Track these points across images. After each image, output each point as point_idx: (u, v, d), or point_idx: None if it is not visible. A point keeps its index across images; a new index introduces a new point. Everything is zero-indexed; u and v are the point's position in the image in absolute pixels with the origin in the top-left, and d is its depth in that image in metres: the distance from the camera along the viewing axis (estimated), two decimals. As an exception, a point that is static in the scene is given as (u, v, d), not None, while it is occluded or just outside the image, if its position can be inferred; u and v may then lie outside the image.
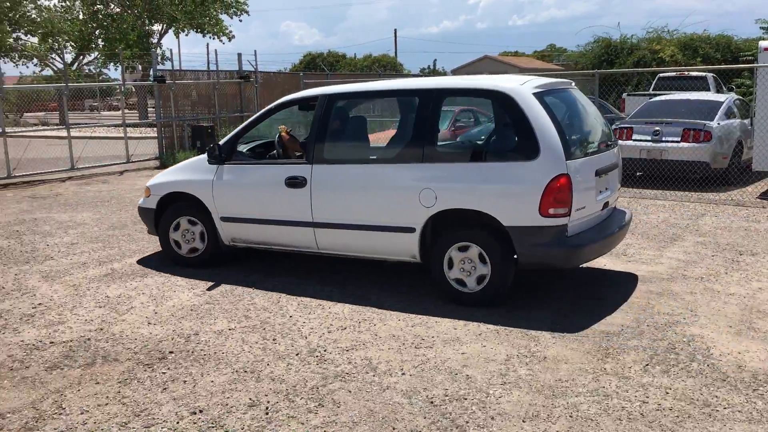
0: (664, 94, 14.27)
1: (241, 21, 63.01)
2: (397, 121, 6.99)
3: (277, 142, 6.80)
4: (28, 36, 42.35)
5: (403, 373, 4.30)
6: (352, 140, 6.48)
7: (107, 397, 4.05)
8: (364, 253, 6.14)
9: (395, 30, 65.10)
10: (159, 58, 35.62)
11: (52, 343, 4.91)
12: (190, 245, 6.87)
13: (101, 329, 5.16)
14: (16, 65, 44.07)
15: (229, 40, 42.97)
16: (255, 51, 18.39)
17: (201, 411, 3.86)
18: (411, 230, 5.70)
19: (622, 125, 12.03)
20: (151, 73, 17.14)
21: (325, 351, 4.67)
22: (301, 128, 9.00)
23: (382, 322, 5.21)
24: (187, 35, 42.36)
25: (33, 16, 41.37)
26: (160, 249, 7.13)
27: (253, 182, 6.48)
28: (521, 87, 5.51)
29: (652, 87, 19.52)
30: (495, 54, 49.84)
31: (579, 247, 5.39)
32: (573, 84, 6.34)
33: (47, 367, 4.49)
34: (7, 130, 14.43)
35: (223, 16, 42.22)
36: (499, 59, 43.01)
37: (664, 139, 11.40)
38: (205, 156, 6.71)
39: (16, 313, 5.54)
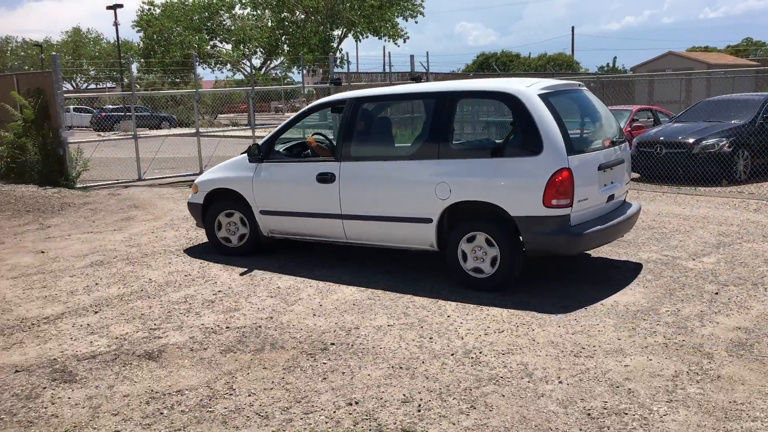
0: None
1: (416, 23, 64.05)
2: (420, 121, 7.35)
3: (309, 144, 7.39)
4: (223, 43, 45.99)
5: (560, 382, 4.17)
6: (376, 139, 7.01)
7: (273, 382, 4.30)
8: (387, 242, 6.65)
9: (572, 27, 63.16)
10: (337, 61, 37.21)
11: (228, 328, 5.30)
12: (234, 236, 7.54)
13: (271, 318, 5.50)
14: (212, 71, 48.01)
15: (404, 42, 43.91)
16: (427, 52, 18.77)
17: (357, 402, 3.99)
18: (428, 221, 6.19)
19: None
20: (329, 76, 17.95)
21: (480, 353, 4.65)
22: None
23: (540, 328, 5.08)
24: (366, 38, 43.77)
25: (228, 25, 44.86)
26: (326, 246, 7.45)
27: (288, 179, 7.09)
28: (527, 89, 5.96)
29: None
30: (681, 50, 46.66)
31: (581, 235, 5.78)
32: (581, 85, 6.81)
33: (222, 350, 4.86)
34: (201, 130, 15.76)
35: (399, 19, 43.20)
36: (684, 55, 40.16)
37: None
38: (246, 155, 7.33)
39: (199, 299, 6.05)
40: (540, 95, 5.88)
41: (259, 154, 7.17)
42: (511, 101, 5.98)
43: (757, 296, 5.67)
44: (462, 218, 6.10)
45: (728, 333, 4.87)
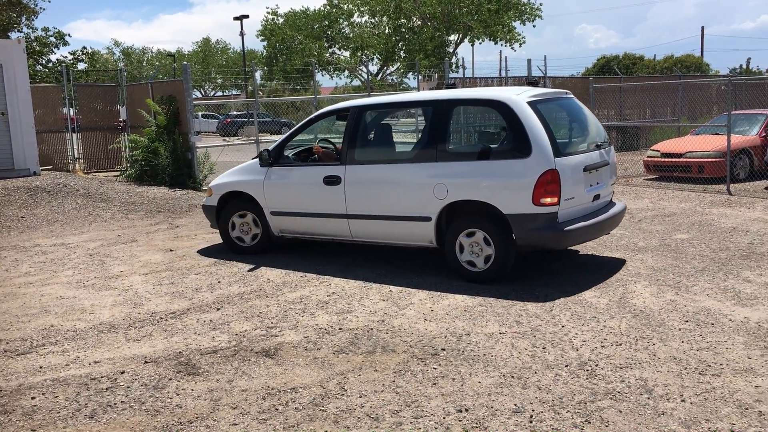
0: None
1: (534, 26, 62.90)
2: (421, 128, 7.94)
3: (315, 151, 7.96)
4: (341, 50, 47.05)
5: (683, 400, 3.96)
6: (378, 144, 7.53)
7: (383, 384, 4.35)
8: (390, 240, 7.12)
9: (702, 27, 59.92)
10: (453, 66, 37.17)
11: (341, 329, 5.40)
12: (247, 236, 8.05)
13: (383, 321, 5.56)
14: (331, 77, 49.21)
15: (521, 46, 43.23)
16: (545, 56, 18.32)
17: (467, 410, 3.96)
18: (428, 219, 6.65)
19: None
20: (444, 81, 17.96)
21: (596, 366, 4.49)
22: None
23: (662, 342, 4.84)
24: (481, 43, 43.49)
25: (346, 32, 45.87)
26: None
27: (297, 181, 7.59)
28: (517, 97, 6.39)
29: None
30: (826, 48, 43.20)
31: (568, 231, 6.20)
32: (569, 93, 7.24)
33: (335, 350, 4.96)
34: (319, 135, 16.16)
35: (516, 23, 42.58)
36: (830, 54, 37.20)
37: None
38: (257, 160, 7.82)
39: (314, 299, 6.21)
40: (529, 102, 6.33)
41: (270, 158, 7.64)
42: (502, 108, 6.43)
43: None
44: (459, 216, 6.56)
45: None
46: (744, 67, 50.53)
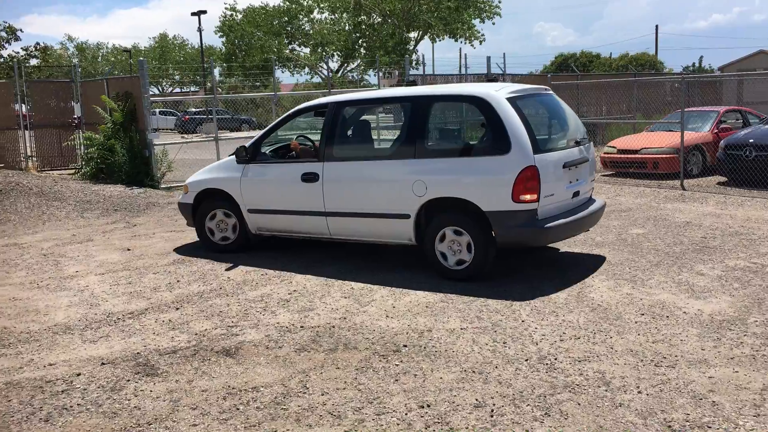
0: None
1: (494, 24, 63.40)
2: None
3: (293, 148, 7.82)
4: (301, 47, 46.79)
5: (640, 392, 4.04)
6: (356, 141, 7.46)
7: (345, 382, 4.34)
8: (369, 238, 7.04)
9: (656, 26, 61.16)
10: (413, 63, 37.25)
11: (302, 327, 5.38)
12: (223, 234, 7.92)
13: (345, 318, 5.54)
14: (291, 74, 48.91)
15: (480, 44, 43.55)
16: (504, 54, 18.50)
17: (429, 405, 3.97)
18: (406, 216, 6.58)
19: None
20: (405, 78, 18.00)
21: (555, 359, 4.55)
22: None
23: (619, 335, 4.94)
24: (441, 40, 43.70)
25: (306, 29, 45.61)
26: (402, 248, 7.47)
27: (274, 178, 7.49)
28: (496, 93, 6.33)
29: None
30: (774, 47, 44.57)
31: (548, 228, 6.17)
32: (549, 90, 7.17)
33: (296, 349, 4.93)
34: (279, 132, 16.06)
35: (475, 21, 42.87)
36: (778, 53, 38.39)
37: None
38: (234, 157, 7.67)
39: (275, 297, 6.17)
40: (508, 98, 6.27)
41: (247, 155, 7.53)
42: (481, 104, 6.38)
43: None
44: (438, 214, 6.48)
45: (823, 346, 4.60)
46: (697, 65, 51.68)
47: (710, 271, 6.54)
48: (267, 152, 7.84)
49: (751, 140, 11.94)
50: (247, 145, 7.63)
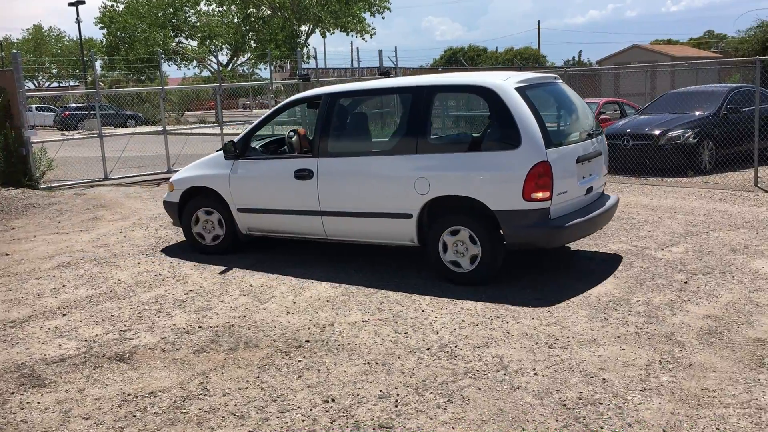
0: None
1: (383, 18, 63.99)
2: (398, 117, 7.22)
3: (287, 137, 7.12)
4: (189, 40, 45.43)
5: (536, 373, 4.19)
6: (353, 135, 6.95)
7: (247, 381, 4.26)
8: (368, 239, 6.60)
9: (538, 21, 63.55)
10: (305, 57, 37.01)
11: (200, 327, 5.23)
12: (211, 234, 7.45)
13: (244, 316, 5.44)
14: (179, 68, 47.40)
15: (371, 38, 43.86)
16: (395, 47, 18.64)
17: (333, 400, 3.96)
18: (408, 216, 6.15)
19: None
20: (297, 72, 17.84)
21: (456, 347, 4.65)
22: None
23: (515, 320, 5.11)
24: (332, 34, 43.63)
25: (193, 21, 44.32)
26: (299, 241, 7.41)
27: (266, 175, 6.99)
28: (504, 82, 5.90)
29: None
30: (645, 43, 47.32)
31: (561, 228, 5.76)
32: (558, 78, 6.80)
33: (195, 350, 4.79)
34: (168, 128, 15.55)
35: (366, 15, 43.11)
36: (648, 48, 40.70)
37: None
38: (221, 152, 7.23)
39: (170, 299, 5.96)
40: (517, 88, 5.84)
41: (235, 151, 7.08)
42: (489, 95, 5.95)
43: (725, 284, 5.76)
44: (442, 213, 6.05)
45: (698, 321, 4.94)
46: (576, 59, 54.25)
47: (596, 255, 6.88)
48: (257, 147, 7.36)
49: (628, 130, 12.64)
50: (235, 139, 7.17)
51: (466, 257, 5.95)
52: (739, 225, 7.93)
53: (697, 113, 12.53)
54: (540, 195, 5.62)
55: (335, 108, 6.70)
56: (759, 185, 10.48)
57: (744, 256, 6.58)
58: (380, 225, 6.39)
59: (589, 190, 6.30)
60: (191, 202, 7.51)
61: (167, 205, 7.84)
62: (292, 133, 7.14)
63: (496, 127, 5.98)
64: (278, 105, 7.28)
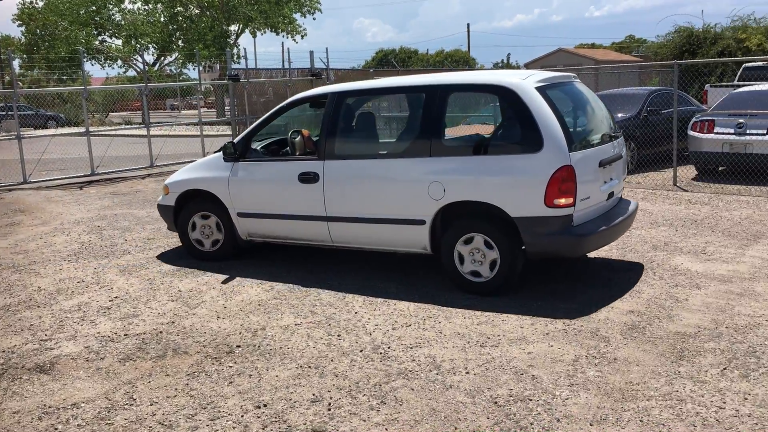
0: (750, 85, 13.63)
1: (314, 19, 63.75)
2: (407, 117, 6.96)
3: (290, 139, 6.67)
4: (113, 39, 44.12)
5: (467, 372, 4.24)
6: (361, 136, 6.62)
7: (176, 389, 4.15)
8: (377, 246, 6.30)
9: (468, 24, 64.63)
10: (234, 57, 36.45)
11: (126, 335, 5.07)
12: (209, 240, 7.08)
13: (173, 322, 5.30)
14: (103, 67, 45.97)
15: (302, 38, 43.59)
16: (327, 49, 18.59)
17: (265, 405, 3.90)
18: (421, 222, 5.85)
19: (703, 118, 11.53)
20: (227, 72, 17.56)
21: (389, 348, 4.65)
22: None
23: (447, 320, 5.15)
24: (263, 34, 43.16)
25: (117, 19, 43.05)
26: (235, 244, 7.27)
27: (268, 178, 6.67)
28: (524, 81, 5.62)
29: (737, 78, 18.67)
30: (570, 47, 48.82)
31: (585, 236, 5.51)
32: (576, 77, 6.51)
33: (121, 358, 4.64)
34: (91, 129, 15.05)
35: (297, 15, 42.83)
36: (573, 52, 42.02)
37: (748, 132, 10.86)
38: (220, 154, 6.91)
39: (94, 306, 5.76)
40: (537, 88, 5.56)
41: (235, 152, 6.73)
42: (507, 94, 5.68)
43: (647, 281, 5.97)
44: (458, 219, 5.76)
45: (622, 317, 5.10)
46: (505, 61, 55.36)
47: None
48: (258, 148, 6.95)
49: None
50: (235, 140, 6.84)
51: (483, 265, 5.65)
52: (659, 223, 8.23)
53: (619, 115, 12.92)
54: (563, 201, 5.33)
55: (342, 108, 6.38)
56: (677, 184, 10.92)
57: (664, 252, 6.84)
58: (391, 232, 6.07)
59: (611, 195, 6.05)
60: (188, 206, 7.15)
61: (162, 208, 7.46)
62: (295, 134, 6.67)
63: (516, 130, 5.69)
64: (280, 105, 6.90)
